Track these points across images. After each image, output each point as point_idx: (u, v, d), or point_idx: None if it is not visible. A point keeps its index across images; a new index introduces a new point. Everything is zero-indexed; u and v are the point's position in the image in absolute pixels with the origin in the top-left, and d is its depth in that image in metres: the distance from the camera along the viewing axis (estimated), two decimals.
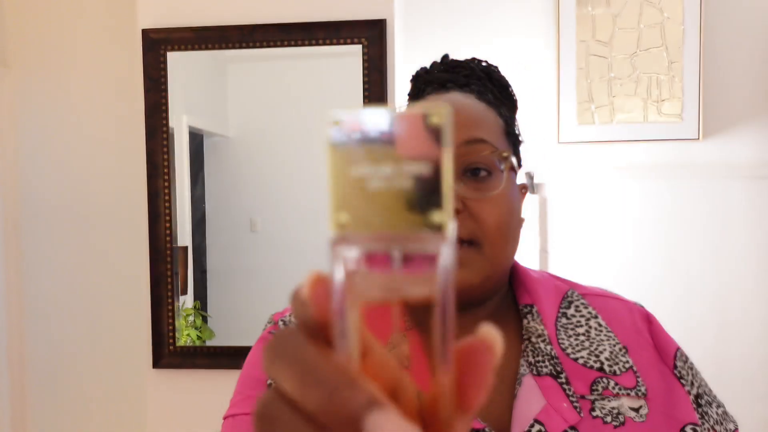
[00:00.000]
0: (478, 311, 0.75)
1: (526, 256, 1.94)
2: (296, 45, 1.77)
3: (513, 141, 0.77)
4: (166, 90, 1.82)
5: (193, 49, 1.80)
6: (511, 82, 0.80)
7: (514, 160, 0.73)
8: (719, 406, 0.76)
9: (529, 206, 1.95)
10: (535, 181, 1.98)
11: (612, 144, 2.00)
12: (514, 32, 2.02)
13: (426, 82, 0.79)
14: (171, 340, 1.83)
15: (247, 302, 1.89)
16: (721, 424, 0.74)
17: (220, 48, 1.79)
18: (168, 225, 1.82)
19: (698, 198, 1.99)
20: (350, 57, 1.75)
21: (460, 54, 0.82)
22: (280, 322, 0.76)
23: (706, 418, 0.73)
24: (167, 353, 1.84)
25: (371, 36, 1.74)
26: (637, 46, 1.97)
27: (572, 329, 0.75)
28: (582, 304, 0.77)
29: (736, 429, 0.75)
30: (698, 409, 0.73)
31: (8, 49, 2.23)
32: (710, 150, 1.98)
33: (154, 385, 1.86)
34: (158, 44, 1.81)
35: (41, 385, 2.26)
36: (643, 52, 1.97)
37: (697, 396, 0.74)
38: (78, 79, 2.21)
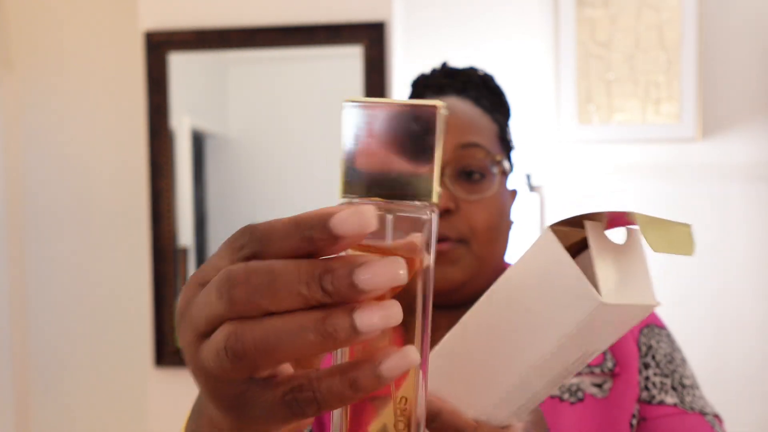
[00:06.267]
0: (468, 309, 0.78)
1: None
2: (297, 47, 1.79)
3: (506, 146, 0.79)
4: (167, 91, 1.84)
5: (194, 51, 1.82)
6: (505, 90, 0.82)
7: (506, 164, 0.75)
8: (697, 388, 0.78)
9: (527, 206, 1.97)
10: (534, 180, 2.00)
11: (610, 144, 2.01)
12: (513, 34, 2.03)
13: (425, 87, 0.81)
14: (173, 339, 1.85)
15: None
16: (705, 402, 0.77)
17: (222, 50, 1.81)
18: (170, 225, 1.84)
19: (696, 198, 2.00)
20: (350, 59, 1.77)
21: (459, 55, 0.84)
22: None
23: (687, 396, 0.76)
24: (169, 352, 1.85)
25: (371, 38, 1.76)
26: (635, 47, 1.98)
27: None
28: None
29: (717, 415, 0.77)
30: (680, 389, 0.76)
31: (11, 50, 2.25)
32: (708, 150, 1.99)
33: (156, 383, 1.88)
34: (160, 46, 1.82)
35: (44, 383, 2.28)
36: (642, 53, 1.98)
37: (680, 378, 0.77)
38: (80, 80, 2.23)
